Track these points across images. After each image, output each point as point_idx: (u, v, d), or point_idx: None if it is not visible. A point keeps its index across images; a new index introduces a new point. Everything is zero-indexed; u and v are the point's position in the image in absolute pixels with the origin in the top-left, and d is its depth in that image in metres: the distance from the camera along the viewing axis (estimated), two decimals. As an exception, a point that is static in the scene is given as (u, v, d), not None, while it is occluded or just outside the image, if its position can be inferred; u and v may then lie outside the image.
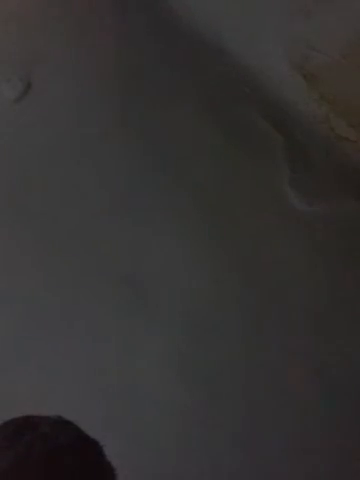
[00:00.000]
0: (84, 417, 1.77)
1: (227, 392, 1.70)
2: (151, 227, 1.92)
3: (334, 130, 1.85)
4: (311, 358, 1.71)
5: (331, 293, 1.78)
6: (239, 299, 1.80)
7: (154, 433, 1.66)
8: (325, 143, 1.91)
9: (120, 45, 2.20)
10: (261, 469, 1.62)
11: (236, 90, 2.07)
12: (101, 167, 2.02)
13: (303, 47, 1.72)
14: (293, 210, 1.89)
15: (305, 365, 1.70)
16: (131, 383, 1.72)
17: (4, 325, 1.82)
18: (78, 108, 2.12)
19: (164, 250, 1.88)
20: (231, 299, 1.81)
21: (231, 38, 2.03)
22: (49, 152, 2.06)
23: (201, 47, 2.13)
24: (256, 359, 1.72)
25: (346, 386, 1.67)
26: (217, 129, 2.03)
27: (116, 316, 1.81)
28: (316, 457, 1.61)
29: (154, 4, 2.23)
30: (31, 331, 1.80)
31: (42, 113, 2.13)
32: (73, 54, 2.21)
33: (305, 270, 1.82)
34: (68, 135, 2.08)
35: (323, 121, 1.86)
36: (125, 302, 1.83)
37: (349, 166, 1.89)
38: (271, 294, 1.80)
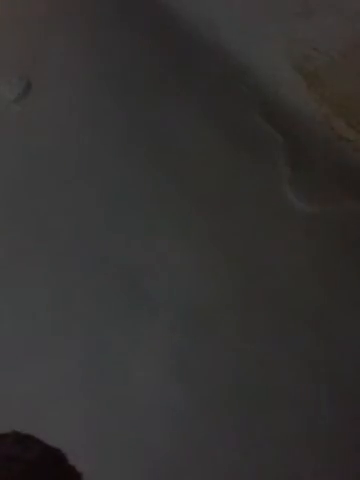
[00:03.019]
0: (83, 417, 1.78)
1: (227, 392, 1.70)
2: (151, 227, 1.92)
3: (334, 130, 1.85)
4: (311, 358, 1.71)
5: (331, 293, 1.78)
6: (239, 299, 1.80)
7: (154, 433, 1.66)
8: (325, 143, 1.91)
9: (120, 45, 2.20)
10: (261, 469, 1.62)
11: (236, 90, 2.07)
12: (101, 167, 2.02)
13: (303, 47, 1.72)
14: (293, 210, 1.89)
15: (305, 365, 1.70)
16: (131, 383, 1.72)
17: (3, 325, 1.82)
18: (78, 108, 2.12)
19: (164, 250, 1.88)
20: (231, 299, 1.81)
21: (231, 38, 2.03)
22: (49, 152, 2.06)
23: (201, 47, 2.14)
24: (256, 359, 1.72)
25: (346, 386, 1.67)
26: (217, 129, 2.03)
27: (116, 316, 1.81)
28: (316, 457, 1.61)
29: (154, 4, 2.23)
30: (30, 331, 1.80)
31: (42, 113, 2.13)
32: (73, 54, 2.21)
33: (305, 270, 1.82)
34: (68, 135, 2.08)
35: (323, 121, 1.86)
36: (125, 302, 1.83)
37: (349, 166, 1.89)
38: (271, 294, 1.80)
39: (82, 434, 1.62)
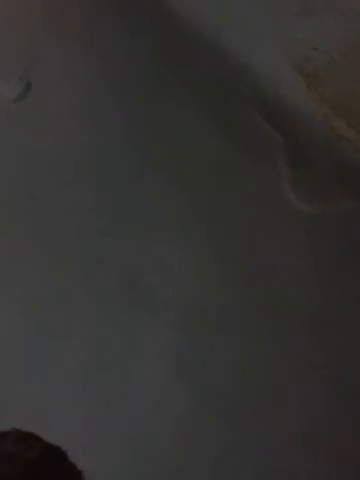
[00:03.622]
0: (83, 417, 1.78)
1: (227, 392, 1.70)
2: (151, 227, 1.92)
3: (334, 130, 1.85)
4: (311, 358, 1.71)
5: (330, 293, 1.78)
6: (239, 299, 1.80)
7: (154, 433, 1.66)
8: (325, 143, 1.91)
9: (120, 45, 2.20)
10: (261, 469, 1.62)
11: (236, 90, 2.07)
12: (101, 167, 2.02)
13: (303, 47, 1.72)
14: (293, 210, 1.89)
15: (305, 365, 1.70)
16: (131, 383, 1.72)
17: (4, 325, 1.82)
18: (78, 108, 2.12)
19: (164, 250, 1.88)
20: (231, 299, 1.80)
21: (231, 38, 2.03)
22: (49, 152, 2.06)
23: (201, 47, 2.14)
24: (256, 359, 1.72)
25: (346, 386, 1.67)
26: (217, 129, 2.03)
27: (116, 316, 1.81)
28: (316, 456, 1.61)
29: (154, 4, 2.23)
30: (31, 331, 1.80)
31: (42, 113, 2.13)
32: (73, 54, 2.21)
33: (305, 270, 1.82)
34: (68, 135, 2.08)
35: (323, 121, 1.86)
36: (125, 302, 1.83)
37: (349, 166, 1.89)
38: (271, 294, 1.79)
39: (82, 434, 1.62)
